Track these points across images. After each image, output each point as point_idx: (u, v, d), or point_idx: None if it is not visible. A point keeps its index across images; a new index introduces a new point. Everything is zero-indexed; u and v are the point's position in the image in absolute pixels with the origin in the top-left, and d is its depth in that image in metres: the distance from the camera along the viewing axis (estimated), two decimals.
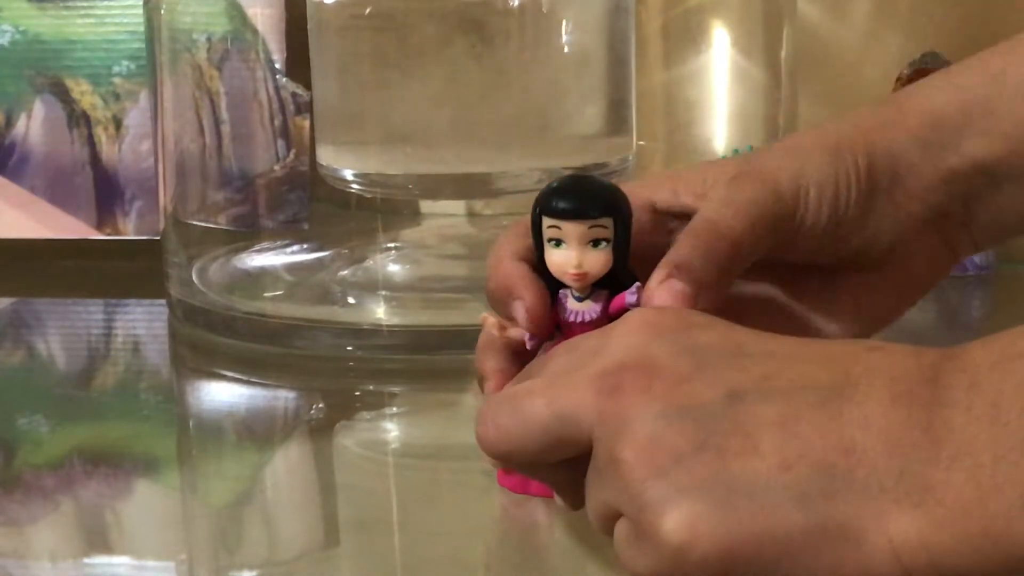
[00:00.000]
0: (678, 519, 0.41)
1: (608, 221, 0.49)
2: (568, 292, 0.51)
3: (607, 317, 0.51)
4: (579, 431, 0.44)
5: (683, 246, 0.50)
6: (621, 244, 0.50)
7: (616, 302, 0.51)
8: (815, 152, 0.53)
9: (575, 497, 0.46)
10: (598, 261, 0.49)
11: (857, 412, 0.41)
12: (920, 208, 0.54)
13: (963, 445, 0.39)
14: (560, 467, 0.46)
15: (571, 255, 0.49)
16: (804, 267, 0.55)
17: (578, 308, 0.51)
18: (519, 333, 0.51)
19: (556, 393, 0.45)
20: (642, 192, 0.54)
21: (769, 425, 0.41)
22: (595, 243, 0.49)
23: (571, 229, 0.49)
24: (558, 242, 0.50)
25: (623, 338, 0.45)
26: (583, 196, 0.49)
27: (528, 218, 0.51)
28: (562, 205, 0.49)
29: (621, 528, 0.43)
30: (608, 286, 0.51)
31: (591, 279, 0.50)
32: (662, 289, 0.49)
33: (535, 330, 0.51)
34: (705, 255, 0.49)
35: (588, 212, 0.49)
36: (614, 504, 0.43)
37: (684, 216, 0.52)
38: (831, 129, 0.54)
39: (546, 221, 0.50)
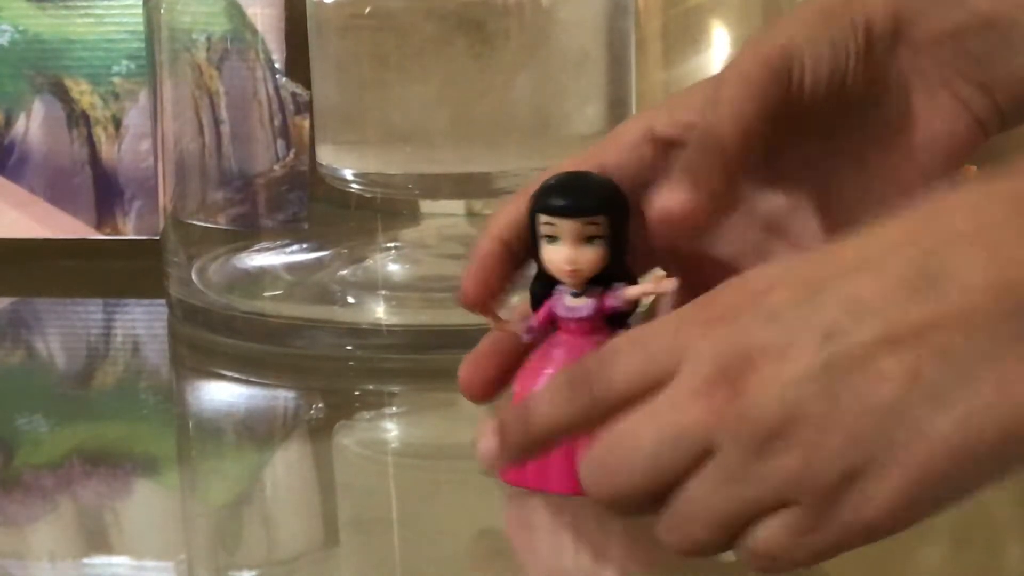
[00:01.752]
0: (867, 489, 0.40)
1: (602, 218, 0.49)
2: (564, 288, 0.51)
3: (600, 315, 0.51)
4: (693, 447, 0.42)
5: (680, 172, 0.49)
6: (616, 240, 0.50)
7: (606, 301, 0.51)
8: (806, 18, 0.51)
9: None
10: (591, 258, 0.50)
11: (958, 281, 0.39)
12: (929, 64, 0.52)
13: None
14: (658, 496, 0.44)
15: (564, 251, 0.49)
16: (825, 153, 0.52)
17: (573, 304, 0.51)
18: (513, 327, 0.51)
19: (662, 419, 0.43)
20: (640, 121, 0.53)
21: (879, 345, 0.40)
22: (589, 240, 0.49)
23: (565, 226, 0.49)
24: (553, 238, 0.50)
25: (694, 341, 0.43)
26: (577, 193, 0.49)
27: (518, 197, 0.52)
28: (556, 202, 0.49)
29: (778, 521, 0.42)
30: (604, 283, 0.51)
31: (584, 276, 0.50)
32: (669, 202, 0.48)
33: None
34: (707, 171, 0.48)
35: (581, 209, 0.49)
36: (767, 499, 0.42)
37: (683, 142, 0.51)
38: None
39: (541, 217, 0.50)
